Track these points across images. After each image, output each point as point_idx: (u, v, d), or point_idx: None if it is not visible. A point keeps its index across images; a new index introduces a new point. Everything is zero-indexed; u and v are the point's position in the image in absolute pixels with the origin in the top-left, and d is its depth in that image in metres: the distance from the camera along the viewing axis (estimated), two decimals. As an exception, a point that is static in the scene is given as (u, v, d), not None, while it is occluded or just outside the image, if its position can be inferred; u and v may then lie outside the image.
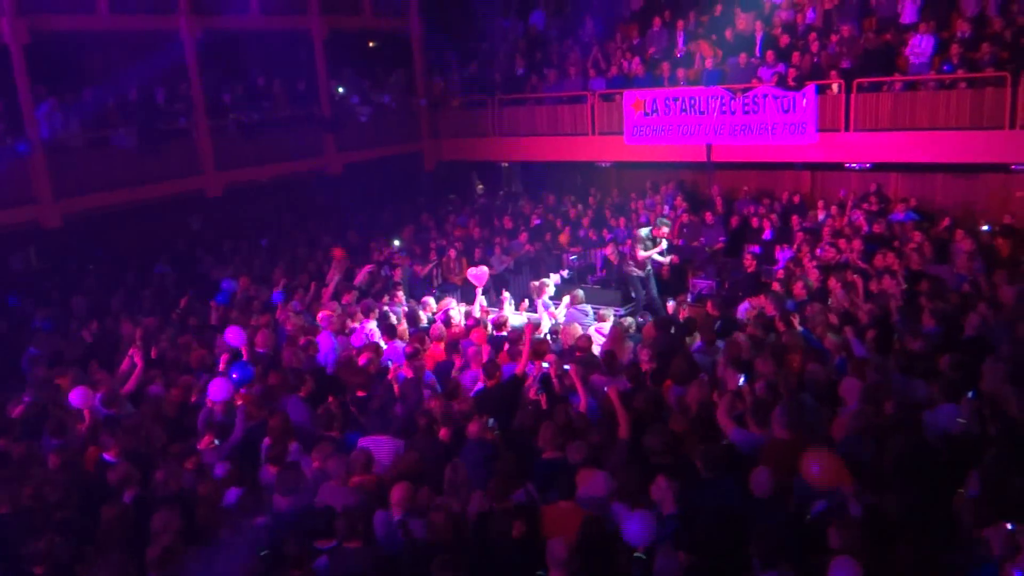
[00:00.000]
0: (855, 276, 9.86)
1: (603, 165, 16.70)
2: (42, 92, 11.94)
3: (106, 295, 11.65)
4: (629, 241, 12.52)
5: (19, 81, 11.49)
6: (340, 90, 16.57)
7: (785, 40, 14.47)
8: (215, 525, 5.25)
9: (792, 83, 13.32)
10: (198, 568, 4.74)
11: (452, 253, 13.54)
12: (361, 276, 11.76)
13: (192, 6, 13.44)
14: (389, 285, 11.81)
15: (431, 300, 10.67)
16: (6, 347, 9.82)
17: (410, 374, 7.77)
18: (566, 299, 10.31)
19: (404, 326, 9.59)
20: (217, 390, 7.12)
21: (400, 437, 6.60)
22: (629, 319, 10.07)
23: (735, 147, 14.13)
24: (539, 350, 7.74)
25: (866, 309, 8.67)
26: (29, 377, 8.69)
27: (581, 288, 11.05)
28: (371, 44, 18.14)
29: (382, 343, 8.86)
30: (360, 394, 7.39)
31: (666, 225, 12.36)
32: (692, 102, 14.25)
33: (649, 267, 11.91)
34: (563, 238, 14.33)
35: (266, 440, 6.42)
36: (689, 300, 11.46)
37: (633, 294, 11.86)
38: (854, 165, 13.86)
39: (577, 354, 7.98)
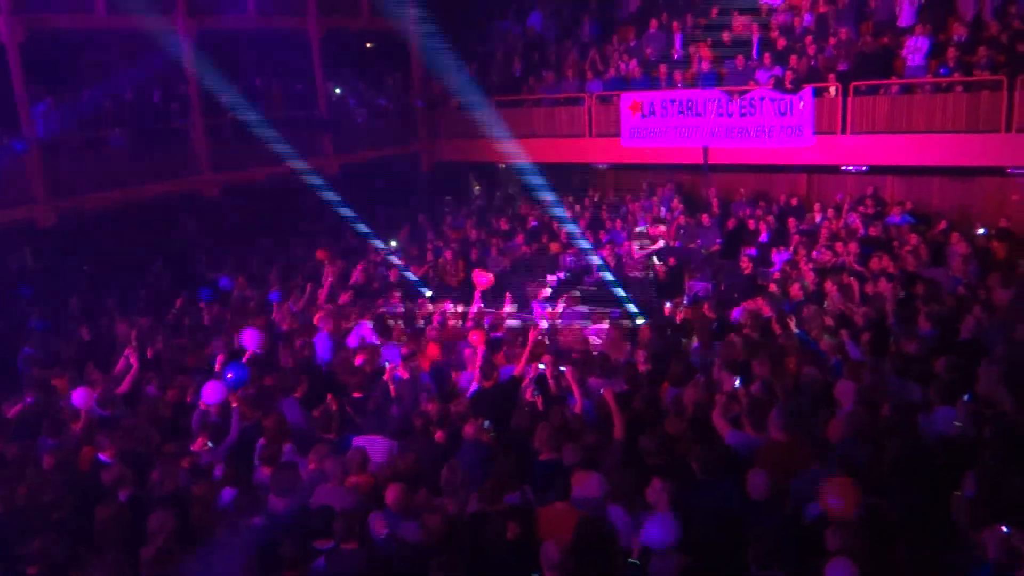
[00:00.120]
0: (851, 279, 9.88)
1: (600, 167, 16.71)
2: (38, 91, 11.93)
3: (101, 295, 11.61)
4: (626, 244, 12.54)
5: (15, 80, 11.48)
6: (337, 91, 16.56)
7: (782, 43, 14.53)
8: (211, 525, 5.23)
9: (789, 86, 13.35)
10: (194, 569, 4.72)
11: (448, 254, 13.50)
12: (356, 275, 11.74)
13: (189, 6, 13.43)
14: (385, 286, 11.79)
15: (427, 301, 10.65)
16: (2, 347, 9.78)
17: (406, 375, 7.76)
18: (563, 300, 10.30)
19: (400, 327, 9.57)
20: (211, 392, 7.08)
21: (396, 438, 6.59)
22: (627, 321, 10.06)
23: (732, 149, 14.15)
24: (536, 351, 7.74)
25: (862, 312, 8.69)
26: (25, 377, 8.66)
27: (577, 290, 11.04)
28: (368, 45, 18.14)
29: (378, 344, 8.84)
30: (356, 395, 7.38)
31: (663, 223, 12.38)
32: (689, 104, 14.28)
33: (649, 269, 11.92)
34: (555, 247, 14.15)
35: (261, 441, 6.41)
36: (686, 302, 11.45)
37: (632, 296, 11.85)
38: (850, 168, 13.89)
39: (574, 356, 7.99)
